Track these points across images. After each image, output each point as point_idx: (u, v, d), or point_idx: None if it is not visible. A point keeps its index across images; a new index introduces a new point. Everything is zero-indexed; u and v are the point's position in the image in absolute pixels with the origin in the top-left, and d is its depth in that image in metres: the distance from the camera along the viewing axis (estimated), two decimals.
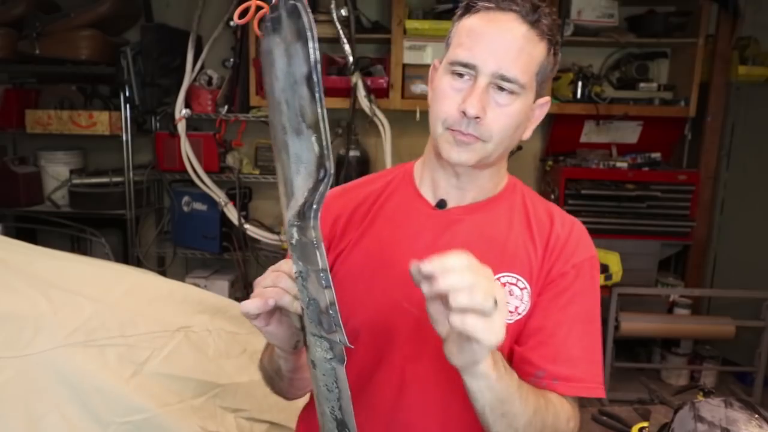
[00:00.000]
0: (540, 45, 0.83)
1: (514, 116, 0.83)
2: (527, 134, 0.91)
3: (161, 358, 1.41)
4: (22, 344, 1.25)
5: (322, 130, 0.54)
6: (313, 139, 0.55)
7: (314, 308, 0.62)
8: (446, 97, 0.83)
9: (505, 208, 0.93)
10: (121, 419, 1.26)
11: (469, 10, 0.84)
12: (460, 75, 0.82)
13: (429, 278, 0.60)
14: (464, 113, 0.80)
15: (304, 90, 0.54)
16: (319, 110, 0.54)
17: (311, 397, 0.95)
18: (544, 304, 0.86)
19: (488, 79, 0.80)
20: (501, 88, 0.81)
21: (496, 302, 0.59)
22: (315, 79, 0.53)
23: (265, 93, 0.67)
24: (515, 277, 0.87)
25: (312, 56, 0.52)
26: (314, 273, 0.60)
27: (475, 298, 0.59)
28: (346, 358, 0.63)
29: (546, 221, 0.91)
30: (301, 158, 0.59)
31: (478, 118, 0.80)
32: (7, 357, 1.22)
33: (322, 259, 0.59)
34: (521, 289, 0.87)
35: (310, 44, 0.52)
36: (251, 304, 0.69)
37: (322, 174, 0.56)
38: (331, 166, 0.56)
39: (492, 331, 0.60)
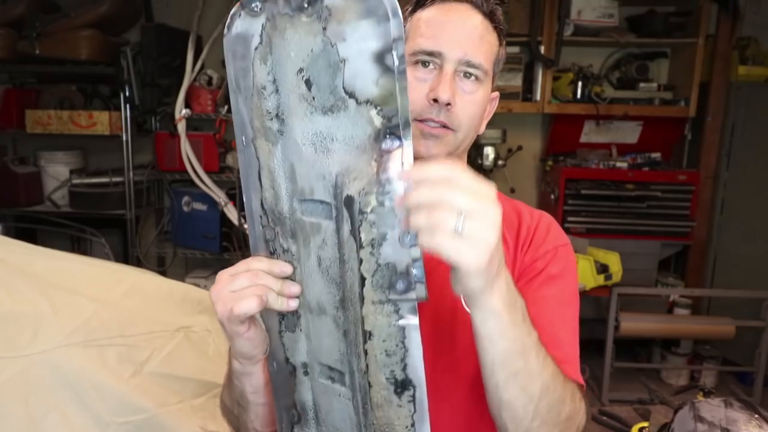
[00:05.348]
0: (494, 35, 0.84)
1: (479, 104, 0.84)
2: (482, 128, 0.91)
3: (161, 358, 1.41)
4: (22, 344, 1.25)
5: (398, 102, 0.55)
6: (373, 112, 0.56)
7: (384, 273, 0.61)
8: (411, 89, 0.80)
9: None
10: (121, 419, 1.26)
11: (421, 4, 0.85)
12: (424, 64, 0.81)
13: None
14: (435, 100, 0.79)
15: (365, 65, 0.56)
16: (398, 84, 0.55)
17: None
18: (521, 290, 0.85)
19: (454, 66, 0.80)
20: (466, 75, 0.81)
21: (463, 221, 0.54)
22: (395, 54, 0.54)
23: (235, 75, 0.65)
24: None
25: (394, 32, 0.54)
26: (397, 235, 0.59)
27: (433, 216, 0.54)
28: (417, 312, 0.61)
29: (514, 217, 0.91)
30: (334, 136, 0.59)
31: (449, 104, 0.80)
32: (7, 357, 1.22)
33: (407, 219, 0.58)
34: None
35: (392, 21, 0.54)
36: (250, 304, 0.65)
37: (388, 144, 0.57)
38: (407, 134, 0.56)
39: (462, 253, 0.55)
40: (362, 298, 0.63)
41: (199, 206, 3.19)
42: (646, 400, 1.70)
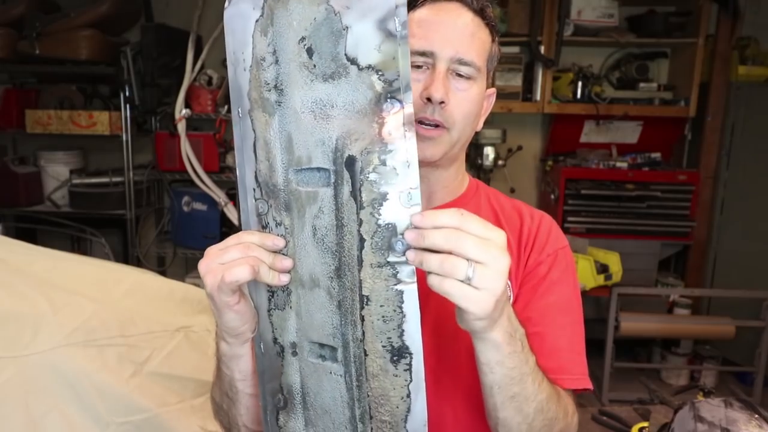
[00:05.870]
0: (486, 31, 0.85)
1: (473, 101, 0.84)
2: (479, 125, 0.91)
3: (161, 358, 1.41)
4: (22, 344, 1.25)
5: (400, 66, 0.57)
6: (374, 77, 0.58)
7: (384, 234, 0.61)
8: None
9: (472, 208, 0.91)
10: (121, 419, 1.26)
11: (412, 5, 0.85)
12: (417, 66, 0.82)
13: (419, 232, 0.59)
14: (429, 99, 0.80)
15: (368, 32, 0.58)
16: (399, 48, 0.57)
17: None
18: (524, 297, 0.86)
19: (447, 65, 0.81)
20: (459, 75, 0.82)
21: (474, 270, 0.57)
22: (397, 19, 0.56)
23: (234, 48, 0.66)
24: None
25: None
26: (398, 194, 0.60)
27: (445, 265, 0.57)
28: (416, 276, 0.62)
29: (515, 218, 0.91)
30: (334, 103, 0.61)
31: (442, 102, 0.80)
32: (7, 357, 1.22)
33: (413, 178, 0.60)
34: None
35: None
36: (242, 271, 0.64)
37: (389, 107, 0.58)
38: (407, 97, 0.58)
39: (470, 300, 0.58)
40: (360, 261, 0.63)
41: (199, 206, 3.19)
42: (646, 400, 1.70)
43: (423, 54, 0.81)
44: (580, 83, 3.19)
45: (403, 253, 0.61)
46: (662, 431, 1.32)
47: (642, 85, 3.19)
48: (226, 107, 3.11)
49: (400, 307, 0.63)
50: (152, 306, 1.54)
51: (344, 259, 0.64)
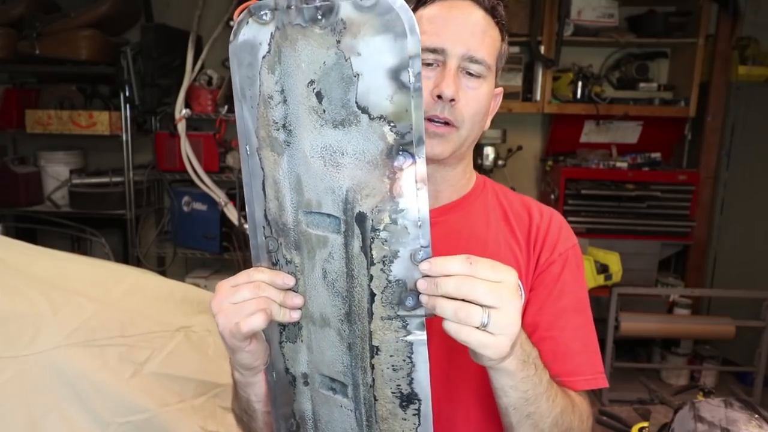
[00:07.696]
0: (496, 30, 0.84)
1: (483, 100, 0.84)
2: (487, 124, 0.91)
3: (161, 358, 1.41)
4: (22, 344, 1.25)
5: (413, 119, 0.56)
6: (386, 128, 0.57)
7: (394, 290, 0.61)
8: None
9: (479, 206, 0.92)
10: (121, 419, 1.26)
11: (423, 2, 0.84)
12: (428, 63, 0.81)
13: (429, 280, 0.59)
14: (439, 96, 0.79)
15: (380, 81, 0.56)
16: (413, 101, 0.55)
17: None
18: (536, 299, 0.86)
19: (458, 62, 0.80)
20: (469, 73, 0.81)
21: (489, 315, 0.58)
22: (411, 71, 0.55)
23: (241, 83, 0.64)
24: None
25: (411, 49, 0.54)
26: (409, 253, 0.59)
27: (460, 314, 0.58)
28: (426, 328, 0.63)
29: (524, 215, 0.91)
30: (345, 150, 0.59)
31: (453, 100, 0.79)
32: (7, 357, 1.22)
33: (425, 237, 0.59)
34: None
35: (410, 37, 0.54)
36: (257, 320, 0.64)
37: (401, 161, 0.57)
38: (420, 151, 0.57)
39: (487, 347, 0.59)
40: (371, 314, 0.63)
41: (199, 206, 3.19)
42: (646, 400, 1.69)
43: (434, 51, 0.80)
44: (580, 83, 3.18)
45: (413, 308, 0.61)
46: (662, 431, 1.32)
47: (642, 85, 3.19)
48: (226, 107, 3.11)
49: (410, 357, 0.63)
50: (152, 306, 1.54)
51: (354, 309, 0.64)
